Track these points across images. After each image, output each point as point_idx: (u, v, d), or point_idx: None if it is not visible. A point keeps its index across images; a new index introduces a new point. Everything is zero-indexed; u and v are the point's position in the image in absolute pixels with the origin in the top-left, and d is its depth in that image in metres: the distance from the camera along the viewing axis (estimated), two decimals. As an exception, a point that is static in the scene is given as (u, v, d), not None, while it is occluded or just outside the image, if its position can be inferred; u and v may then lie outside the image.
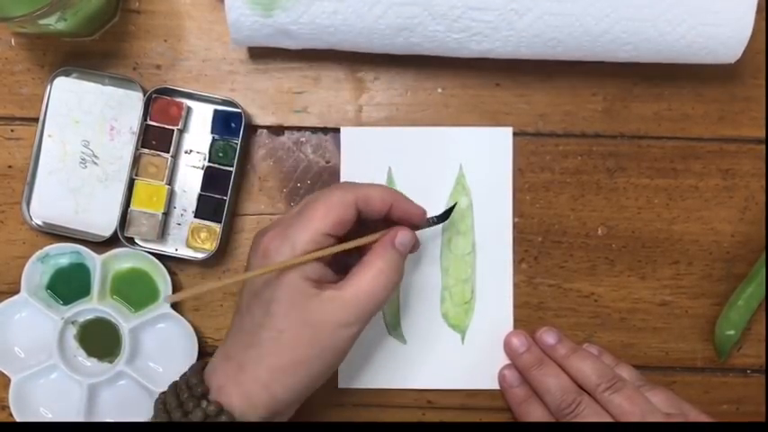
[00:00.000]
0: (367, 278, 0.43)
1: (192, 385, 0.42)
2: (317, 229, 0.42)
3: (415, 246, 0.48)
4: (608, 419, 0.46)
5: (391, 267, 0.44)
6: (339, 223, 0.42)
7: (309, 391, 0.43)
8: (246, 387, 0.41)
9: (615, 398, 0.46)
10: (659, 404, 0.47)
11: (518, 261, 0.52)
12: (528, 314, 0.52)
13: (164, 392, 0.44)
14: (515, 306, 0.52)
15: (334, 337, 0.42)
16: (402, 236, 0.45)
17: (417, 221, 0.46)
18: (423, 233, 0.50)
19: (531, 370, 0.49)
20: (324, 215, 0.42)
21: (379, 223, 0.45)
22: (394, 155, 0.52)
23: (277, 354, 0.41)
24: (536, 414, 0.49)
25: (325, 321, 0.42)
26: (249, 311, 0.43)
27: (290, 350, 0.41)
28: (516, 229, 0.52)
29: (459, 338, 0.52)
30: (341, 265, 0.45)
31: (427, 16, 0.46)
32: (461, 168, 0.52)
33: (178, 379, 0.44)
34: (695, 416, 0.47)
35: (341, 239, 0.44)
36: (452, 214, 0.49)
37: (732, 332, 0.51)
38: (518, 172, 0.52)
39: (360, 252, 0.45)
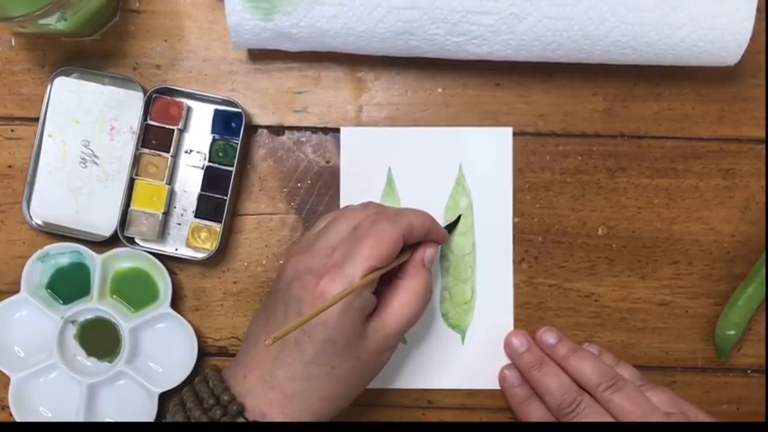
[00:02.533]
0: (405, 303, 0.45)
1: (225, 404, 0.42)
2: (371, 267, 0.42)
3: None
4: (608, 419, 0.46)
5: (425, 287, 0.46)
6: (389, 256, 0.43)
7: (348, 405, 0.46)
8: (293, 416, 0.43)
9: (615, 397, 0.46)
10: (659, 404, 0.47)
11: (518, 261, 0.52)
12: (528, 314, 0.52)
13: (179, 397, 0.44)
14: (515, 306, 0.52)
15: (378, 362, 0.45)
16: (429, 254, 0.47)
17: (442, 243, 0.49)
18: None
19: (531, 370, 0.49)
20: (377, 252, 0.42)
21: None
22: (394, 155, 0.52)
23: (328, 387, 0.43)
24: (536, 414, 0.49)
25: (372, 351, 0.44)
26: (298, 346, 0.42)
27: (341, 382, 0.43)
28: (516, 229, 0.52)
29: (459, 338, 0.52)
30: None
31: (427, 20, 0.46)
32: (461, 168, 0.52)
33: (193, 384, 0.45)
34: (695, 415, 0.47)
35: None
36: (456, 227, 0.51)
37: (732, 332, 0.51)
38: (518, 172, 0.52)
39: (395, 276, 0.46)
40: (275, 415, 0.42)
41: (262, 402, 0.42)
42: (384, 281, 0.45)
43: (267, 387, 0.43)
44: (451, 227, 0.51)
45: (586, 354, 0.49)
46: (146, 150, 0.50)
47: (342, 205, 0.52)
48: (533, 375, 0.49)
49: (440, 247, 0.51)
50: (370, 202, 0.48)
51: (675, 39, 0.47)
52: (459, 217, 0.51)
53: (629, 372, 0.50)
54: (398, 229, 0.44)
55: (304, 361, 0.42)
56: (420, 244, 0.47)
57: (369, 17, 0.46)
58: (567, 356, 0.49)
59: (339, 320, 0.42)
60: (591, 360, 0.48)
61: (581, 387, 0.48)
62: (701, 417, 0.47)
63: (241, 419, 0.41)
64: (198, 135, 0.51)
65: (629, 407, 0.46)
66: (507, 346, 0.51)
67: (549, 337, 0.50)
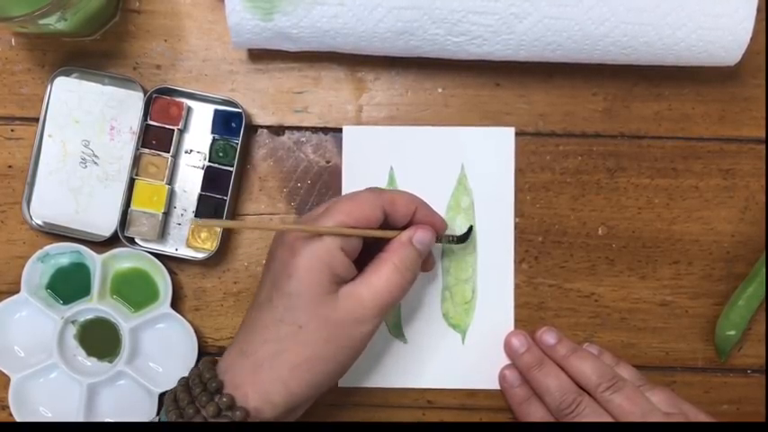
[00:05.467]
0: (382, 275, 0.43)
1: (205, 380, 0.42)
2: (343, 222, 0.42)
3: (428, 263, 0.49)
4: (608, 419, 0.46)
5: (406, 265, 0.44)
6: (365, 220, 0.43)
7: (325, 387, 0.43)
8: (264, 385, 0.41)
9: (615, 398, 0.46)
10: (659, 404, 0.47)
11: (518, 261, 0.52)
12: (528, 314, 0.52)
13: (173, 389, 0.44)
14: (516, 306, 0.52)
15: (351, 335, 0.42)
16: (421, 234, 0.45)
17: (438, 229, 0.47)
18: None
19: (531, 370, 0.49)
20: (350, 210, 0.42)
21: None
22: (396, 154, 0.52)
23: (295, 350, 0.42)
24: (536, 414, 0.49)
25: (343, 318, 0.42)
26: (270, 304, 0.42)
27: (308, 347, 0.42)
28: (517, 229, 0.52)
29: (459, 338, 0.52)
30: (363, 264, 0.45)
31: (427, 20, 0.46)
32: (463, 168, 0.52)
33: (188, 375, 0.44)
34: (695, 415, 0.47)
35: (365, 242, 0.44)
36: (470, 237, 0.50)
37: (732, 332, 0.51)
38: (518, 172, 0.52)
39: (381, 251, 0.45)
40: (246, 386, 0.41)
41: (237, 374, 0.42)
42: (371, 257, 0.45)
43: (243, 356, 0.42)
44: (465, 236, 0.50)
45: (586, 354, 0.49)
46: (146, 150, 0.50)
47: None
48: (533, 376, 0.49)
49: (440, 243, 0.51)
50: (371, 187, 0.47)
51: (675, 39, 0.47)
52: (471, 227, 0.50)
53: (628, 372, 0.50)
54: (378, 198, 0.44)
55: (275, 319, 0.42)
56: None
57: (369, 17, 0.46)
58: (567, 356, 0.49)
59: (305, 271, 0.41)
60: (591, 360, 0.48)
61: (581, 387, 0.48)
62: (701, 417, 0.47)
63: (218, 396, 0.41)
64: (198, 135, 0.51)
65: (628, 407, 0.46)
66: (507, 347, 0.51)
67: (548, 337, 0.50)
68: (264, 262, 0.46)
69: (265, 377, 0.41)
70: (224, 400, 0.40)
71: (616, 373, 0.48)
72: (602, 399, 0.47)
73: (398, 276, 0.43)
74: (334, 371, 0.43)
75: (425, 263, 0.48)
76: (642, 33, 0.47)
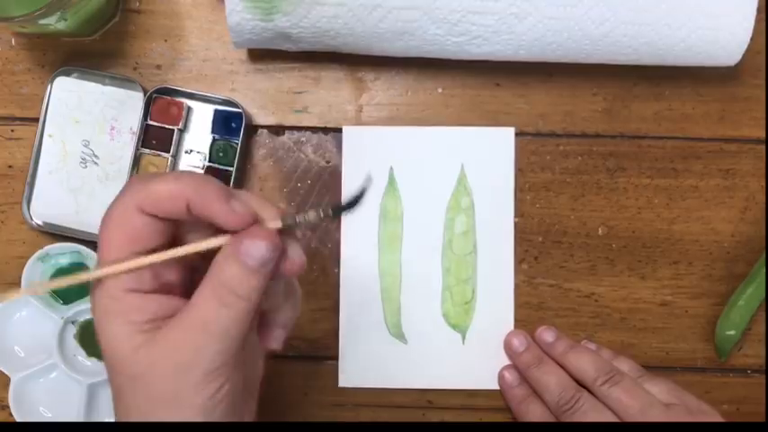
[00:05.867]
0: (197, 307, 0.31)
1: None
2: (113, 258, 0.32)
3: (295, 264, 0.33)
4: (607, 414, 0.46)
5: (231, 289, 0.31)
6: (132, 239, 0.32)
7: None
8: None
9: (613, 391, 0.46)
10: (660, 394, 0.47)
11: (518, 261, 0.52)
12: (528, 314, 0.52)
13: None
14: (516, 306, 0.52)
15: (173, 388, 0.31)
16: (249, 245, 0.31)
17: (230, 225, 0.32)
18: (426, 230, 0.50)
19: (530, 369, 0.49)
20: (109, 238, 0.32)
21: None
22: (396, 154, 0.52)
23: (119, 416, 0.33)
24: (536, 413, 0.49)
25: (157, 374, 0.31)
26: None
27: (126, 412, 0.32)
28: (516, 229, 0.52)
29: (459, 338, 0.52)
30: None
31: (427, 20, 0.46)
32: (463, 168, 0.52)
33: None
34: (696, 405, 0.47)
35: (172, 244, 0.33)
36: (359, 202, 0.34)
37: (733, 332, 0.51)
38: (518, 172, 0.52)
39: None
40: None
41: None
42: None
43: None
44: (354, 202, 0.34)
45: (583, 349, 0.49)
46: (146, 150, 0.50)
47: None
48: (532, 374, 0.49)
49: (442, 243, 0.50)
50: (134, 179, 0.34)
51: (676, 39, 0.47)
52: (363, 190, 0.34)
53: (627, 365, 0.49)
54: (128, 201, 0.32)
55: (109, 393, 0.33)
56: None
57: (369, 17, 0.46)
58: (565, 353, 0.49)
59: (103, 333, 0.32)
60: (588, 355, 0.48)
61: (580, 383, 0.48)
62: (703, 407, 0.47)
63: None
64: (198, 135, 0.51)
65: (626, 400, 0.46)
66: (507, 346, 0.51)
67: (547, 335, 0.50)
68: None
69: None
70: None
71: (613, 367, 0.48)
72: (601, 393, 0.47)
73: (219, 306, 0.31)
74: None
75: (290, 264, 0.33)
76: (642, 33, 0.47)
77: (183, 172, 0.34)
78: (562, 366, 0.49)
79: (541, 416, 0.49)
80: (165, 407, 0.31)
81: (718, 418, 0.46)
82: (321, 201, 0.52)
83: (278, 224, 0.32)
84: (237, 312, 0.31)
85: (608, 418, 0.46)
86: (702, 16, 0.46)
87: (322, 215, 0.33)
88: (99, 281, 0.32)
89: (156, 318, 0.32)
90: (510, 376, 0.51)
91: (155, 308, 0.32)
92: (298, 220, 0.33)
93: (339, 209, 0.33)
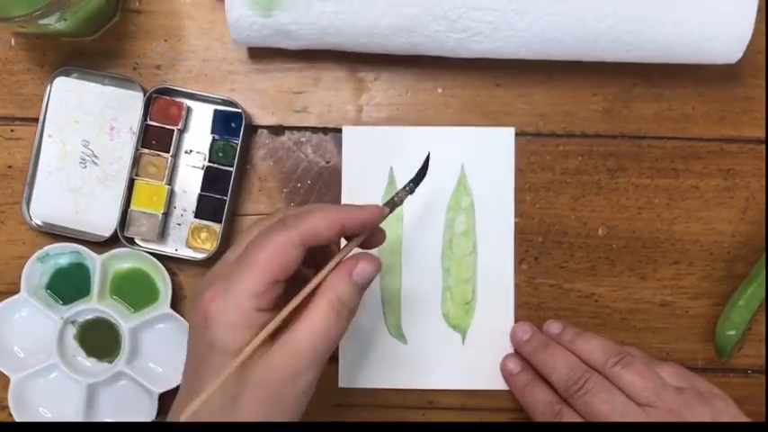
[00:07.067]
0: (318, 314, 0.37)
1: None
2: (261, 281, 0.37)
3: (378, 238, 0.42)
4: (619, 396, 0.45)
5: (343, 302, 0.38)
6: (285, 269, 0.37)
7: None
8: None
9: (625, 373, 0.45)
10: (669, 377, 0.46)
11: (518, 261, 0.52)
12: (528, 314, 0.52)
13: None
14: (516, 306, 0.52)
15: (290, 394, 0.37)
16: (361, 267, 0.39)
17: (372, 223, 0.40)
18: (426, 230, 0.50)
19: (536, 353, 0.49)
20: (266, 263, 0.37)
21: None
22: (396, 154, 0.52)
23: (233, 419, 0.37)
24: (538, 396, 0.48)
25: (279, 375, 0.37)
26: (196, 374, 0.38)
27: (246, 415, 0.37)
28: (517, 229, 0.52)
29: (459, 339, 0.52)
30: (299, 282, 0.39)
31: (427, 16, 0.46)
32: (463, 168, 0.52)
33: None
34: (707, 388, 0.46)
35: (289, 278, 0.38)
36: (427, 170, 0.42)
37: (733, 332, 0.51)
38: (518, 172, 0.52)
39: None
40: None
41: None
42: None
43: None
44: (421, 173, 0.42)
45: (591, 335, 0.49)
46: (146, 150, 0.50)
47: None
48: (539, 357, 0.49)
49: (443, 243, 0.50)
50: (279, 209, 0.42)
51: (676, 36, 0.47)
52: (427, 158, 0.43)
53: (635, 351, 0.49)
54: (294, 234, 0.37)
55: (201, 381, 0.37)
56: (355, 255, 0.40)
57: (369, 13, 0.46)
58: (573, 340, 0.48)
59: (224, 340, 0.37)
60: (597, 339, 0.48)
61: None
62: (714, 390, 0.46)
63: None
64: (198, 135, 0.51)
65: (639, 382, 0.45)
66: (513, 337, 0.51)
67: (553, 327, 0.50)
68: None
69: None
70: None
71: (623, 349, 0.47)
72: (612, 374, 0.46)
73: (336, 317, 0.38)
74: None
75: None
76: (643, 30, 0.46)
77: (321, 205, 0.40)
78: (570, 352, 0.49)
79: (544, 399, 0.48)
80: (280, 410, 0.37)
81: (729, 402, 0.46)
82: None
83: (387, 210, 0.40)
84: (347, 322, 0.39)
85: (619, 399, 0.45)
86: (703, 13, 0.46)
87: (409, 191, 0.42)
88: (231, 298, 0.37)
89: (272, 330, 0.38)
90: (512, 363, 0.51)
91: (270, 320, 0.38)
92: (396, 202, 0.41)
93: (417, 180, 0.42)
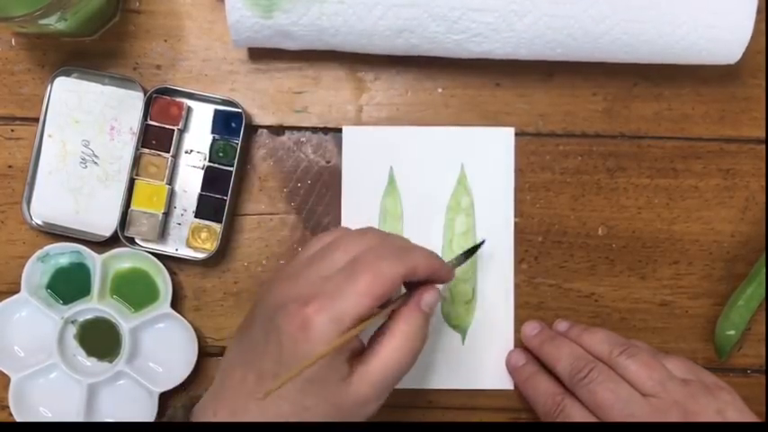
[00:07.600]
0: (395, 347, 0.41)
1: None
2: (366, 307, 0.39)
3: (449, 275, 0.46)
4: (624, 386, 0.45)
5: (417, 333, 0.41)
6: (384, 298, 0.40)
7: None
8: None
9: (631, 363, 0.45)
10: (675, 370, 0.46)
11: (518, 261, 0.52)
12: (528, 314, 0.52)
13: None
14: (516, 306, 0.52)
15: (354, 415, 0.40)
16: (428, 298, 0.42)
17: (447, 281, 0.45)
18: (426, 230, 0.50)
19: (543, 345, 0.49)
20: (373, 290, 0.39)
21: None
22: (396, 154, 0.52)
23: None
24: (542, 387, 0.48)
25: (353, 401, 0.40)
26: (276, 381, 0.39)
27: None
28: (516, 229, 0.52)
29: (459, 338, 0.52)
30: None
31: (427, 18, 0.46)
32: (463, 168, 0.52)
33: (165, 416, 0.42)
34: (713, 381, 0.46)
35: None
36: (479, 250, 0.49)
37: (732, 332, 0.51)
38: (518, 172, 0.52)
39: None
40: None
41: None
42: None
43: (233, 417, 0.40)
44: (470, 253, 0.48)
45: (598, 329, 0.49)
46: (146, 150, 0.50)
47: (342, 205, 0.52)
48: (545, 349, 0.49)
49: (443, 243, 0.51)
50: (369, 229, 0.44)
51: (676, 37, 0.47)
52: (481, 243, 0.49)
53: (640, 344, 0.49)
54: (401, 267, 0.40)
55: (278, 394, 0.38)
56: (419, 285, 0.43)
57: (369, 15, 0.46)
58: (580, 335, 0.49)
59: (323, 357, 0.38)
60: (603, 332, 0.48)
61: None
62: (720, 383, 0.46)
63: None
64: (198, 135, 0.51)
65: (645, 373, 0.45)
66: (522, 333, 0.51)
67: (561, 326, 0.51)
68: (254, 314, 0.43)
69: None
70: None
71: (629, 341, 0.47)
72: (618, 364, 0.46)
73: (408, 347, 0.41)
74: None
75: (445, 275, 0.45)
76: (642, 31, 0.46)
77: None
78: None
79: (547, 390, 0.48)
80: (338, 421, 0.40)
81: (735, 396, 0.45)
82: (322, 201, 0.52)
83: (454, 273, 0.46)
84: (419, 351, 0.42)
85: (624, 389, 0.45)
86: (703, 13, 0.46)
87: (464, 259, 0.48)
88: (336, 315, 0.38)
89: (353, 355, 0.41)
90: (516, 356, 0.51)
91: (359, 346, 0.41)
92: (457, 263, 0.47)
93: (471, 252, 0.48)
